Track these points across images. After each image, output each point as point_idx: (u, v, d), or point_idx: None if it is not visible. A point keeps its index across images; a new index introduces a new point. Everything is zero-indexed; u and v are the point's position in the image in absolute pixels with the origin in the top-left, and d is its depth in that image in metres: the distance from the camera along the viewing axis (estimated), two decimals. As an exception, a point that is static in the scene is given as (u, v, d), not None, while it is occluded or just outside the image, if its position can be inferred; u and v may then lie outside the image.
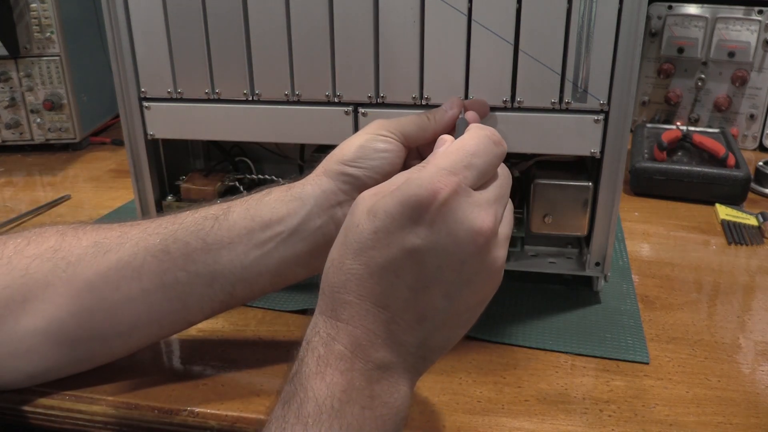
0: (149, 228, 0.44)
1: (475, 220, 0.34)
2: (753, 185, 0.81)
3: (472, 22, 0.48)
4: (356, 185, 0.42)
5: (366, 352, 0.34)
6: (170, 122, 0.56)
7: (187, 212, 0.44)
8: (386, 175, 0.41)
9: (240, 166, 0.65)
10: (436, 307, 0.35)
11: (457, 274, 0.34)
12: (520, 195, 0.59)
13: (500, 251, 0.36)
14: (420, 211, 0.33)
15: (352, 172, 0.42)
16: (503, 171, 0.38)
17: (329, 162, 0.43)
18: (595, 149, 0.50)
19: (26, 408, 0.46)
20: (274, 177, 0.63)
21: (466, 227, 0.34)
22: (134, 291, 0.42)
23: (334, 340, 0.34)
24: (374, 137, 0.43)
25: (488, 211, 0.35)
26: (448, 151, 0.36)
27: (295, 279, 0.44)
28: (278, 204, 0.43)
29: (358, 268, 0.35)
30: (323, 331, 0.35)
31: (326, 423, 0.32)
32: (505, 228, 0.37)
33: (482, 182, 0.36)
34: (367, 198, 0.36)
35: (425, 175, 0.34)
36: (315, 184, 0.43)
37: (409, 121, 0.45)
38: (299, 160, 0.64)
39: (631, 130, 0.84)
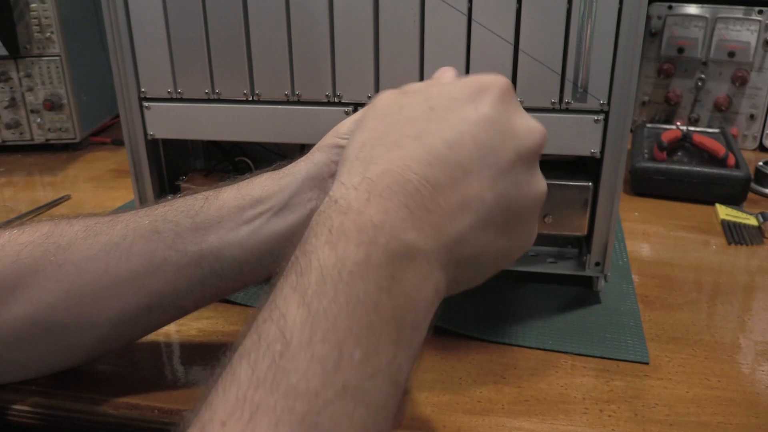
0: (141, 212, 0.44)
1: (531, 119, 0.35)
2: (753, 185, 0.81)
3: (472, 22, 0.48)
4: None
5: (396, 227, 0.29)
6: (170, 122, 0.56)
7: (180, 196, 0.44)
8: None
9: (240, 166, 0.65)
10: (481, 198, 0.32)
11: (510, 165, 0.33)
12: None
13: (543, 180, 0.36)
14: (481, 92, 0.34)
15: (345, 144, 0.41)
16: None
17: (323, 140, 0.43)
18: (595, 149, 0.50)
19: (26, 408, 0.46)
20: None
21: (524, 120, 0.35)
22: (123, 273, 0.42)
23: (357, 211, 0.29)
24: None
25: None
26: None
27: (284, 257, 0.43)
28: (269, 182, 0.43)
29: (405, 140, 0.32)
30: (342, 200, 0.30)
31: (329, 295, 0.27)
32: None
33: None
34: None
35: (478, 75, 0.36)
36: (307, 159, 0.43)
37: None
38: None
39: (631, 130, 0.84)
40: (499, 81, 0.35)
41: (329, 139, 0.43)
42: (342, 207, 0.30)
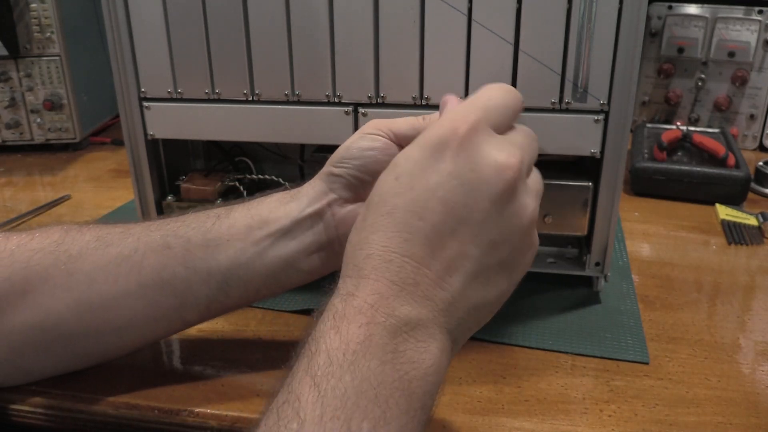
0: (152, 225, 0.44)
1: (500, 154, 0.34)
2: (753, 185, 0.81)
3: (472, 22, 0.48)
4: (342, 184, 0.42)
5: (390, 305, 0.32)
6: (170, 122, 0.56)
7: (191, 212, 0.45)
8: (373, 173, 0.40)
9: (240, 166, 0.65)
10: (465, 254, 0.33)
11: (486, 214, 0.33)
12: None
13: (530, 200, 0.35)
14: (441, 149, 0.33)
15: (336, 172, 0.42)
16: (526, 129, 0.38)
17: (326, 164, 0.44)
18: (595, 149, 0.50)
19: (26, 408, 0.46)
20: (273, 177, 0.62)
21: (490, 161, 0.33)
22: (132, 286, 0.42)
23: (352, 295, 0.32)
24: (361, 136, 0.42)
25: (513, 151, 0.34)
26: (462, 102, 0.37)
27: (289, 283, 0.44)
28: (277, 204, 0.44)
29: (380, 219, 0.33)
30: (343, 290, 0.33)
31: (336, 374, 0.30)
32: (535, 182, 0.36)
33: (501, 126, 0.36)
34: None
35: (443, 119, 0.35)
36: (311, 185, 0.44)
37: (403, 120, 0.44)
38: (299, 160, 0.64)
39: (631, 130, 0.84)
40: (458, 129, 0.34)
41: (327, 167, 0.43)
42: (342, 294, 0.33)
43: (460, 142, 0.33)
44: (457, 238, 0.33)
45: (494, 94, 0.37)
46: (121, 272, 0.42)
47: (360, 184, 0.42)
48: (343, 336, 0.31)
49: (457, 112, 0.35)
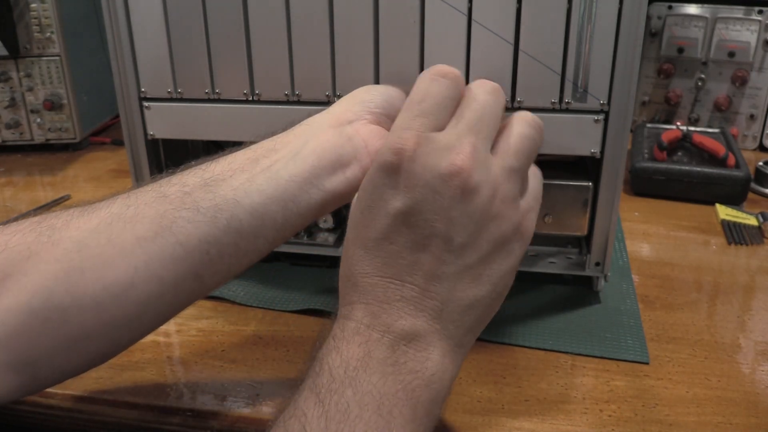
0: (141, 186, 0.40)
1: (443, 162, 0.34)
2: (753, 185, 0.81)
3: (472, 22, 0.48)
4: (365, 109, 0.43)
5: (384, 322, 0.34)
6: (170, 122, 0.56)
7: (179, 169, 0.42)
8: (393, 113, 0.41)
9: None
10: (442, 262, 0.34)
11: (448, 221, 0.34)
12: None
13: (491, 189, 0.35)
14: (393, 174, 0.35)
15: (362, 98, 0.44)
16: (473, 98, 0.38)
17: (333, 110, 0.44)
18: (595, 149, 0.50)
19: (26, 408, 0.46)
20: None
21: (436, 174, 0.34)
22: (128, 241, 0.37)
23: (348, 319, 0.35)
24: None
25: (458, 146, 0.35)
26: (402, 108, 0.37)
27: (308, 205, 0.40)
28: (279, 136, 0.42)
29: (357, 252, 0.36)
30: (340, 316, 0.35)
31: (338, 391, 0.31)
32: (508, 159, 0.37)
33: (442, 121, 0.36)
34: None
35: (389, 139, 0.36)
36: (324, 111, 0.43)
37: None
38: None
39: (631, 130, 0.84)
40: (403, 151, 0.34)
41: (336, 114, 0.43)
42: (339, 320, 0.35)
43: (407, 164, 0.34)
44: (430, 251, 0.34)
45: (428, 91, 0.37)
46: (114, 230, 0.37)
47: (383, 115, 0.43)
48: (344, 355, 0.33)
49: (396, 130, 0.36)
